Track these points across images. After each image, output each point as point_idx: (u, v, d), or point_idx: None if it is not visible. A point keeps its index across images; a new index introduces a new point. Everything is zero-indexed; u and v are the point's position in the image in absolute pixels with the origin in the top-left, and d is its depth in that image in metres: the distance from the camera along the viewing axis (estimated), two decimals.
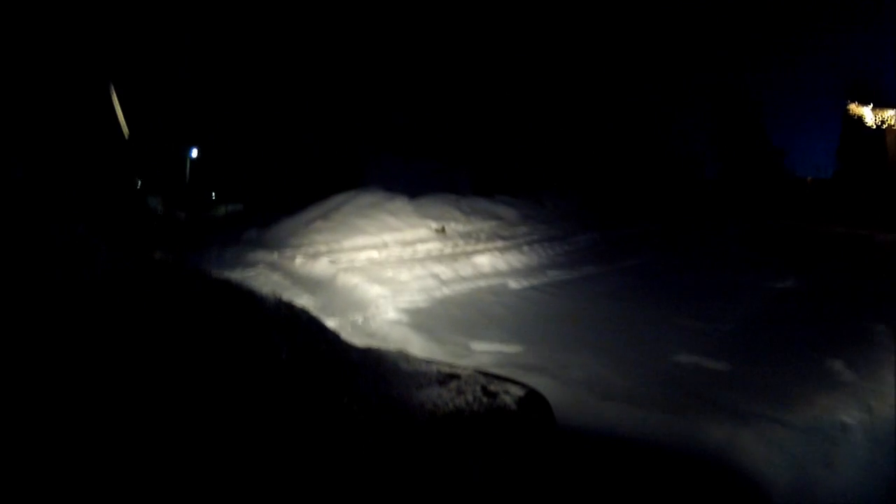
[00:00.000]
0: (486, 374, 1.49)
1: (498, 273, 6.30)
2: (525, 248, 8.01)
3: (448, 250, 7.82)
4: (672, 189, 19.25)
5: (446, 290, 5.38)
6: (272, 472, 0.83)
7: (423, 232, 8.75)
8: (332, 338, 1.36)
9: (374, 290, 5.13)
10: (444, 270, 6.00)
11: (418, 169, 18.39)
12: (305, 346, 1.19)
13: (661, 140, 21.58)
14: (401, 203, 9.42)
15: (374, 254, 7.46)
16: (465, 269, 6.17)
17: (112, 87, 10.36)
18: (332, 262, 6.71)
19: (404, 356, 1.46)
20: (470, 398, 1.26)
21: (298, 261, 6.86)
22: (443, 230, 9.32)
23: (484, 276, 6.10)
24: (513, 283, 5.77)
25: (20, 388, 0.74)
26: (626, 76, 20.30)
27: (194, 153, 17.24)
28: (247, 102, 20.07)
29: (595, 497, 1.93)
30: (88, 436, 0.74)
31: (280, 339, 1.12)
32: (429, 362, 1.51)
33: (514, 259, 7.02)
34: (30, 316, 0.82)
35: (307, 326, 1.31)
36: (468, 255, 7.50)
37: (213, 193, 20.15)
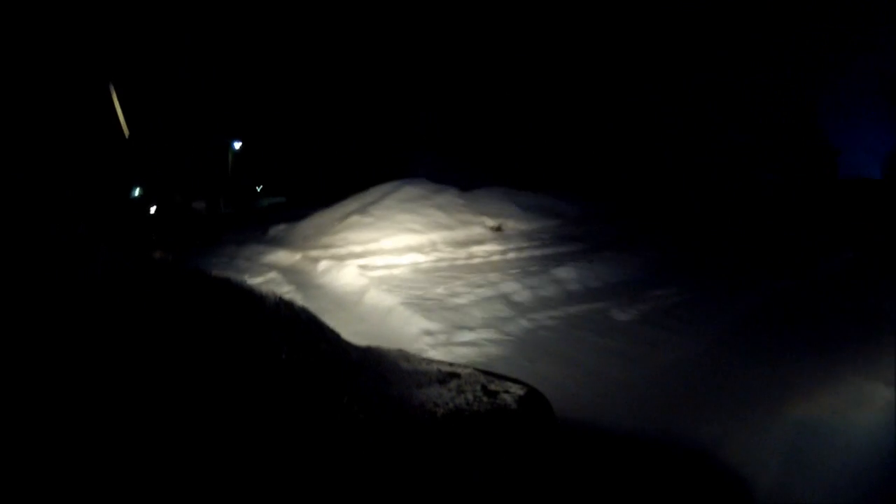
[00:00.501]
0: (486, 373, 1.31)
1: (590, 293, 4.19)
2: (606, 253, 5.86)
3: (512, 255, 5.76)
4: (727, 188, 17.01)
5: (525, 323, 3.34)
6: (272, 473, 0.76)
7: (477, 231, 6.74)
8: (332, 337, 1.19)
9: (416, 323, 3.16)
10: (516, 289, 3.95)
11: (462, 162, 16.62)
12: (305, 346, 1.06)
13: (712, 139, 19.25)
14: (451, 196, 7.43)
15: (420, 258, 5.50)
16: (545, 286, 4.10)
17: (112, 88, 9.15)
18: (364, 268, 4.78)
19: (404, 355, 1.32)
20: (470, 397, 1.13)
21: (322, 266, 4.98)
22: (499, 228, 7.29)
23: (573, 297, 4.01)
24: (617, 312, 3.65)
25: (20, 388, 0.68)
26: (672, 73, 18.17)
27: (237, 146, 15.84)
28: (294, 96, 18.93)
29: (595, 497, 1.69)
30: (88, 435, 0.69)
31: (280, 339, 1.00)
32: (429, 361, 1.35)
33: (603, 270, 4.90)
34: (29, 316, 0.76)
35: (307, 326, 1.15)
36: (537, 261, 5.43)
37: (259, 186, 18.90)
